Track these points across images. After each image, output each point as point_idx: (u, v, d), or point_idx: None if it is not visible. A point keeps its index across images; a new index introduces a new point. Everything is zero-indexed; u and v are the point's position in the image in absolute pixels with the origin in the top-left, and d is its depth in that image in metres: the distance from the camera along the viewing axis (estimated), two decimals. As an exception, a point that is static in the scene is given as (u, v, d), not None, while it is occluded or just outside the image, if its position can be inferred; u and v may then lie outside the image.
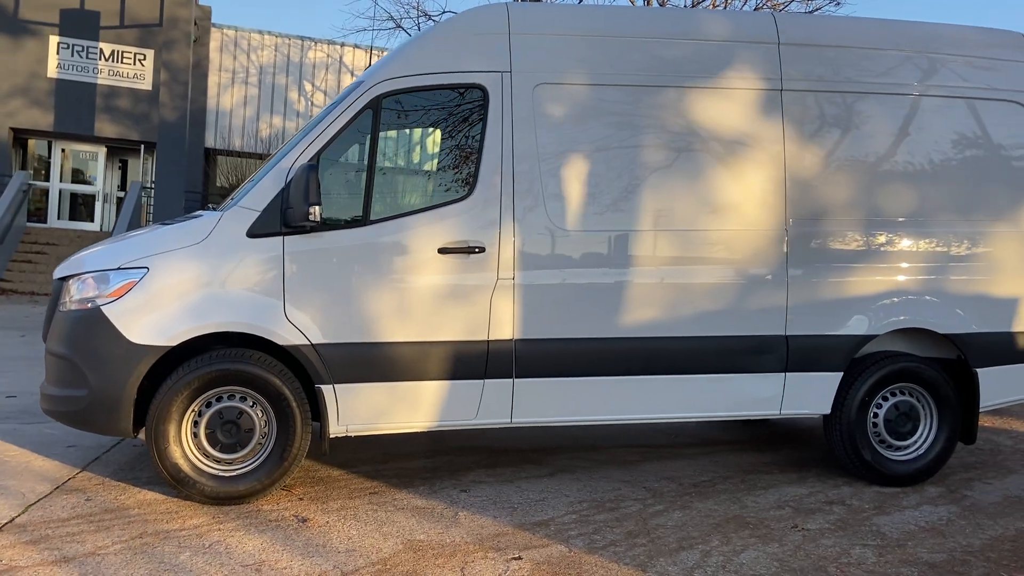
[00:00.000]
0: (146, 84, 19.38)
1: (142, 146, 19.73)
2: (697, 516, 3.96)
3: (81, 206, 20.51)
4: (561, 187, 4.20)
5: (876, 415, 4.56)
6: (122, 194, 19.95)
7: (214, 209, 4.31)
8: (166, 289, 3.79)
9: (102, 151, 20.28)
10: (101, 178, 20.38)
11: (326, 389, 3.91)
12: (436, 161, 4.50)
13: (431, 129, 4.45)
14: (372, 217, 4.00)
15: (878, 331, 4.47)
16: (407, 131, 4.46)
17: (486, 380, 4.10)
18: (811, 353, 4.42)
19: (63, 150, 20.06)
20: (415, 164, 4.51)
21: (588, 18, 4.48)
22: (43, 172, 19.93)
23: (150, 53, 19.35)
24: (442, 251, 4.02)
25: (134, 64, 19.33)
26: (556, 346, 4.17)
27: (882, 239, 4.51)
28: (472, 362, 4.07)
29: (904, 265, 4.52)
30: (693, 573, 3.27)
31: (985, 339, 4.58)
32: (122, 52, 19.24)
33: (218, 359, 3.80)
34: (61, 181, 20.01)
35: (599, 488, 4.38)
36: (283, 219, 3.82)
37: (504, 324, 4.10)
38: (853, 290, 4.46)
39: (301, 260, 3.89)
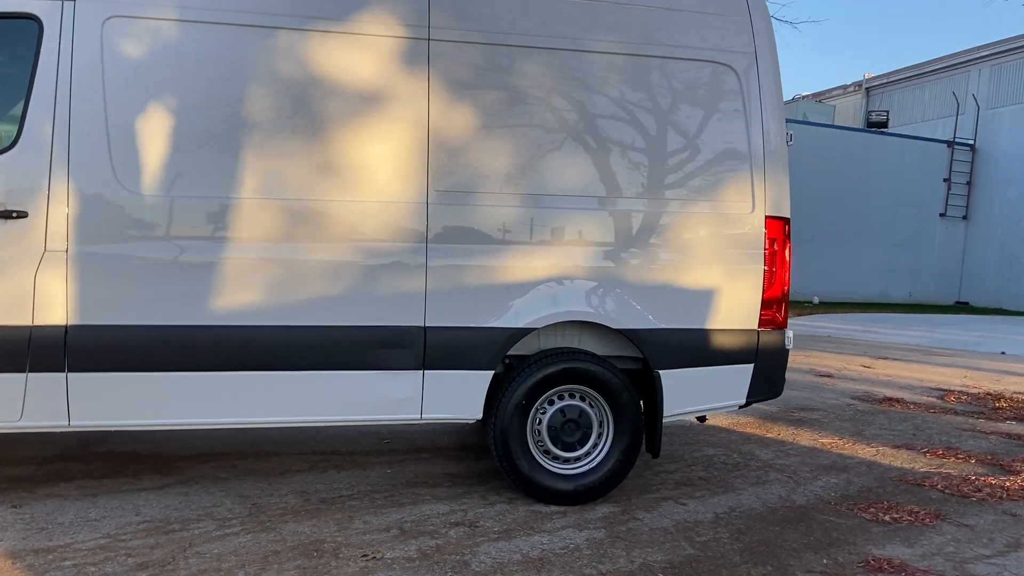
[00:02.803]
0: None
1: None
2: (265, 541, 3.28)
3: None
4: (136, 143, 3.48)
5: (540, 421, 3.92)
6: None
7: None
8: None
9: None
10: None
11: None
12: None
13: (-32, 67, 3.72)
14: None
15: (536, 324, 3.81)
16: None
17: (30, 374, 3.38)
18: (454, 348, 3.75)
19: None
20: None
21: None
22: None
23: None
24: (-32, 215, 3.30)
25: None
26: (125, 334, 3.46)
27: (546, 218, 3.85)
28: (9, 352, 3.35)
29: (571, 249, 3.86)
30: (153, 621, 2.60)
31: (669, 336, 3.95)
32: None
33: None
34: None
35: (196, 504, 3.69)
36: None
37: (54, 306, 3.38)
38: (507, 276, 3.79)
39: None
